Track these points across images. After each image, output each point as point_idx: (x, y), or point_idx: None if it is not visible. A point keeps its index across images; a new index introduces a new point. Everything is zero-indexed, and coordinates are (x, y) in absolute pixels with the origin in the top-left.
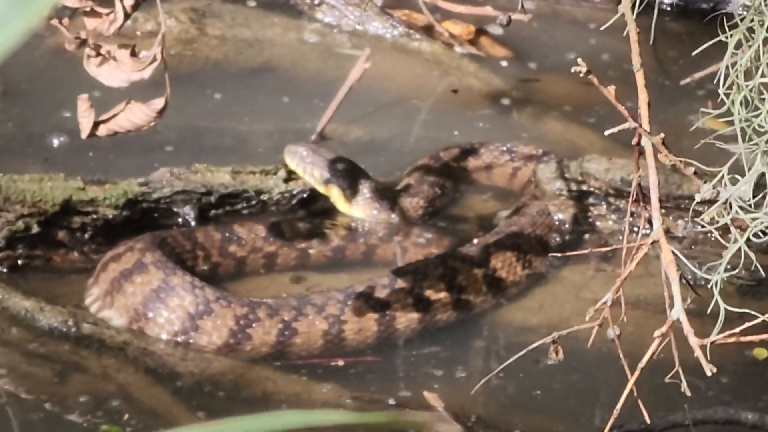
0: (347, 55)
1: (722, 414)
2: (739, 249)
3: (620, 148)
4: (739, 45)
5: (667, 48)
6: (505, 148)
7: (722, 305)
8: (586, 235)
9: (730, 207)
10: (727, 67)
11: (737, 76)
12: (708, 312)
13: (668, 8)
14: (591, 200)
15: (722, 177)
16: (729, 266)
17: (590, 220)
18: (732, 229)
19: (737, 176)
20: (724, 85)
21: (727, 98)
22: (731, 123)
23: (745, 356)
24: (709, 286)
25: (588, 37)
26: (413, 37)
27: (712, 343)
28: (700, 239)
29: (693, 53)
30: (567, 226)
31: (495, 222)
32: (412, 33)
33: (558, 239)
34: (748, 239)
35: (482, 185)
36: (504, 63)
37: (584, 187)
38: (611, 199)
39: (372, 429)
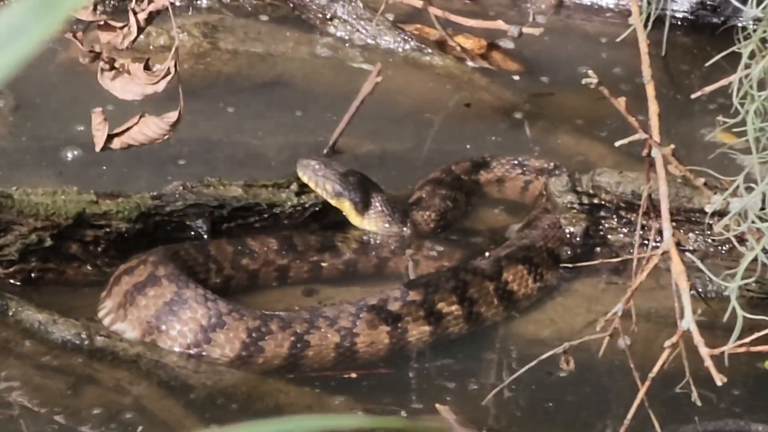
0: (359, 69)
1: (733, 426)
2: (751, 260)
3: (632, 162)
4: (752, 55)
5: (678, 62)
6: (516, 162)
7: (740, 312)
8: (598, 249)
9: (746, 217)
10: (741, 77)
11: (751, 87)
12: (718, 324)
13: (679, 22)
14: (602, 213)
15: (737, 187)
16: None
17: (601, 233)
18: (749, 237)
19: (753, 185)
20: (738, 96)
21: (742, 108)
22: (742, 135)
23: (756, 368)
24: (722, 296)
25: (600, 51)
26: (425, 51)
27: (721, 353)
28: (710, 252)
29: (705, 66)
30: (578, 239)
31: (506, 235)
32: (424, 47)
33: (569, 252)
34: (763, 249)
35: (494, 198)
36: (516, 77)
37: (595, 201)
38: (622, 213)
39: None
